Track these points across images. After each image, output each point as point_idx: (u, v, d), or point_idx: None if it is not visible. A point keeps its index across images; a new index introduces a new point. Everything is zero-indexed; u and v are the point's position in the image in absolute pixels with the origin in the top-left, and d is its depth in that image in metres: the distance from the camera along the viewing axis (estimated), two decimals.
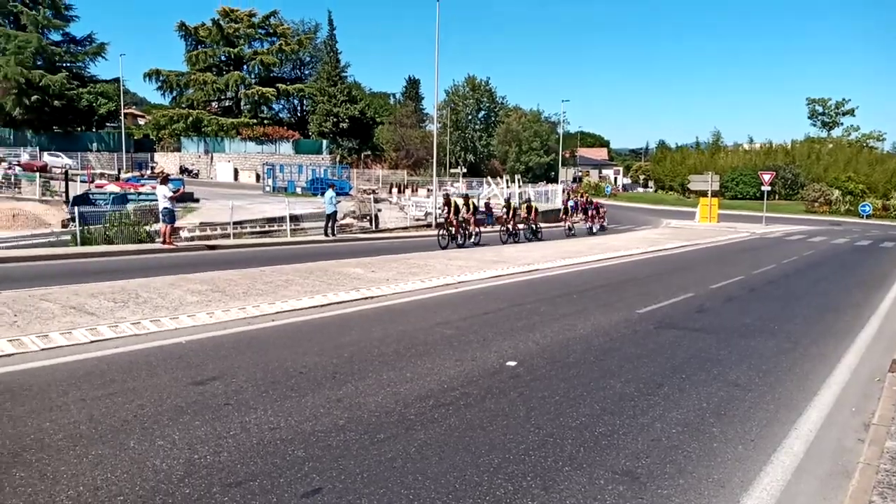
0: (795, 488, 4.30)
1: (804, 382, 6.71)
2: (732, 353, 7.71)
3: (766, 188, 41.52)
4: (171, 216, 18.66)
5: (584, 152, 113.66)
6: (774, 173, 47.72)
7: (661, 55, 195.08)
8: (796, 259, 20.68)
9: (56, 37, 66.32)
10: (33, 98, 61.12)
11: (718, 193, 48.18)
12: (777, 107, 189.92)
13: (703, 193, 44.37)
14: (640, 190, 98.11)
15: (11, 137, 61.87)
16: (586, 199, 40.37)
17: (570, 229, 31.23)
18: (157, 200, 20.31)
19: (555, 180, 66.28)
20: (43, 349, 6.76)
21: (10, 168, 45.21)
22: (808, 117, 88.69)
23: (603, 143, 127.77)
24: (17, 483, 3.84)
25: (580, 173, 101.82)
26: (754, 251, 23.67)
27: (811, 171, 69.99)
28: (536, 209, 29.53)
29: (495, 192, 41.85)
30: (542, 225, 29.95)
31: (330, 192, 24.44)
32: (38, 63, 62.64)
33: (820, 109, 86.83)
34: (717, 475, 4.36)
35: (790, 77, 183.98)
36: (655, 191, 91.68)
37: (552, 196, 46.09)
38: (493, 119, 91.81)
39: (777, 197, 65.51)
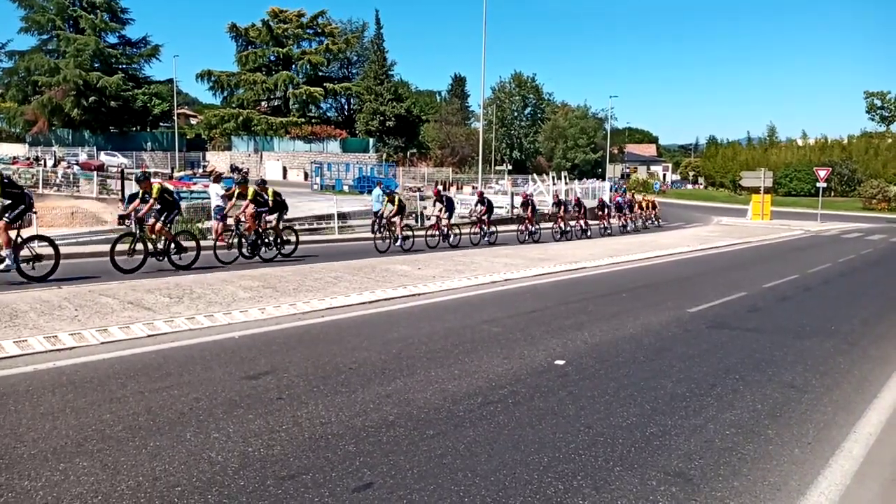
0: (855, 493, 4.17)
1: (863, 385, 6.51)
2: (787, 354, 7.53)
3: (821, 185, 40.42)
4: (222, 213, 19.01)
5: (631, 148, 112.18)
6: (830, 169, 46.40)
7: (712, 49, 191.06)
8: (853, 257, 20.08)
9: (112, 39, 68.45)
10: (91, 99, 63.05)
11: (771, 190, 47.01)
12: (832, 101, 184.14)
13: (756, 190, 43.35)
14: (690, 186, 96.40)
15: (70, 137, 63.99)
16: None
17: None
18: (208, 198, 20.78)
19: (602, 177, 65.58)
20: (102, 343, 6.98)
21: (69, 167, 46.73)
22: (866, 111, 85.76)
23: (651, 140, 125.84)
24: (81, 472, 3.97)
25: (628, 170, 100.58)
26: (809, 249, 23.06)
27: (869, 166, 67.85)
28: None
29: (541, 190, 41.52)
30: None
31: (377, 191, 24.57)
32: (96, 65, 64.62)
33: (878, 103, 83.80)
34: (772, 478, 4.26)
35: (846, 70, 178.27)
36: (705, 187, 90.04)
37: (599, 193, 45.61)
38: (539, 116, 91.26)
39: (833, 194, 63.73)
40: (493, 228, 23.02)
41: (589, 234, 28.33)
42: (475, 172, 46.45)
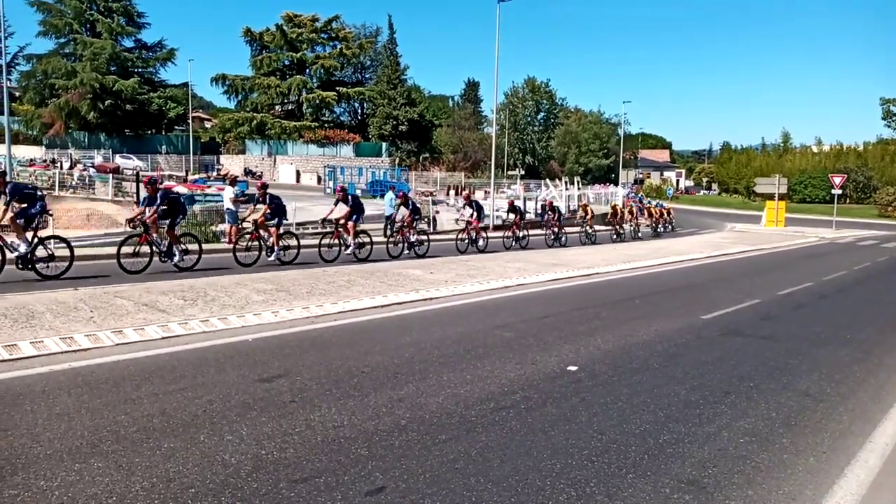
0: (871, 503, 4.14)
1: (879, 393, 6.45)
2: (802, 362, 7.47)
3: (836, 191, 40.09)
4: (234, 217, 19.13)
5: (645, 154, 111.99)
6: (846, 176, 46.04)
7: (726, 54, 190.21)
8: (869, 265, 19.89)
9: (129, 43, 68.77)
10: (107, 102, 63.49)
11: (786, 197, 46.70)
12: (847, 107, 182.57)
13: (770, 196, 43.04)
14: (703, 192, 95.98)
15: (86, 140, 64.45)
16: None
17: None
18: (222, 201, 20.92)
19: (615, 182, 65.40)
20: (117, 344, 7.04)
21: (85, 170, 47.09)
22: (882, 118, 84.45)
23: (665, 145, 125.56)
24: (96, 473, 4.00)
25: (641, 175, 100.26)
26: (824, 257, 22.86)
27: (885, 173, 67.15)
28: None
29: (553, 195, 41.48)
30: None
31: (390, 195, 24.62)
32: (112, 69, 65.03)
33: (894, 110, 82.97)
34: (787, 487, 4.23)
35: (862, 76, 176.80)
36: (719, 193, 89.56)
37: (611, 199, 45.52)
38: (552, 121, 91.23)
39: (848, 201, 63.17)
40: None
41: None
42: (487, 177, 46.44)
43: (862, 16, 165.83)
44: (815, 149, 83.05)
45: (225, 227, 19.78)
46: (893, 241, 30.90)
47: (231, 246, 18.39)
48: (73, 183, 41.21)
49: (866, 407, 6.00)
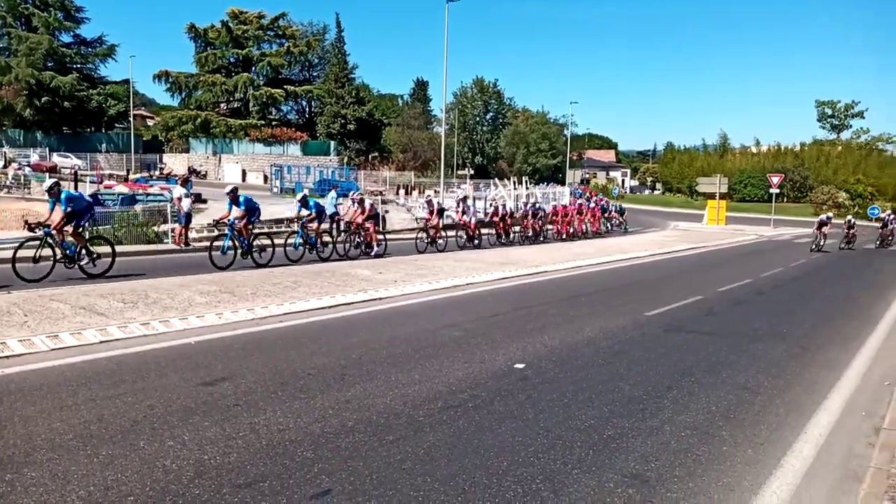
0: (805, 493, 4.28)
1: (814, 386, 6.69)
2: (741, 357, 7.69)
3: (774, 191, 41.44)
4: (186, 217, 18.70)
5: (591, 154, 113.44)
6: (783, 176, 47.61)
7: (669, 56, 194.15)
8: (805, 262, 20.62)
9: (67, 38, 66.63)
10: (44, 99, 61.42)
11: (726, 196, 48.00)
12: (785, 109, 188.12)
13: (711, 196, 44.24)
14: (648, 192, 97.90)
15: (21, 138, 62.20)
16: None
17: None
18: (166, 201, 20.45)
19: (562, 182, 66.23)
20: (53, 349, 6.80)
21: (20, 169, 45.51)
22: (817, 120, 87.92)
23: (611, 146, 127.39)
24: (29, 483, 3.85)
25: (587, 175, 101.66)
26: (762, 254, 23.60)
27: (820, 173, 69.73)
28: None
29: (502, 194, 41.74)
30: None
31: (332, 193, 24.25)
32: (49, 65, 62.94)
33: (829, 112, 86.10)
34: (726, 478, 4.35)
35: (798, 79, 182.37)
36: (663, 193, 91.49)
37: (559, 198, 46.03)
38: (500, 121, 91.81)
39: (785, 199, 65.30)
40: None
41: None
42: (437, 177, 46.57)
43: (797, 20, 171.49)
44: (754, 149, 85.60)
45: (168, 227, 19.34)
46: (829, 239, 32.02)
47: (177, 246, 18.08)
48: (8, 182, 39.75)
49: (801, 400, 6.21)
